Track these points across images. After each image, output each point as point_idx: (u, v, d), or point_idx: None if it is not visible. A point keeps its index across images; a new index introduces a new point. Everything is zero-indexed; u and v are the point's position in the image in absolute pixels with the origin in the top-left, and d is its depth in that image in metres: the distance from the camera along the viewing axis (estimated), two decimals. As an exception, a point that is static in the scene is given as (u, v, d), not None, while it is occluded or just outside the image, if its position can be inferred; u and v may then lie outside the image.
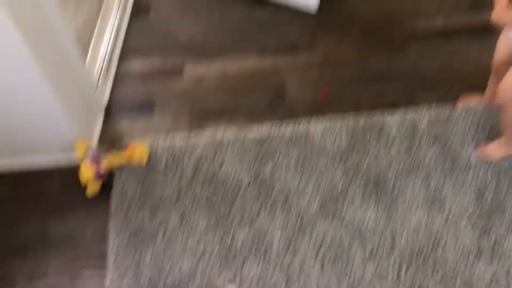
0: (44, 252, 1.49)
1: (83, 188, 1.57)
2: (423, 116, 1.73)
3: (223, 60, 1.95)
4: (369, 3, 2.09)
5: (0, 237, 1.51)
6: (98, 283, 1.42)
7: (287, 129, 1.71)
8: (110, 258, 1.46)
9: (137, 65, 1.96)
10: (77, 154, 1.55)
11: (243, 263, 1.44)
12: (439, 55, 1.92)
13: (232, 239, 1.48)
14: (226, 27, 2.06)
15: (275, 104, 1.81)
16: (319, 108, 1.79)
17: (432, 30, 1.99)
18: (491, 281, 1.39)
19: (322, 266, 1.43)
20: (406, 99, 1.79)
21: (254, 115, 1.78)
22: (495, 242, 1.46)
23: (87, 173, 1.51)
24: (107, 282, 1.42)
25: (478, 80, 1.81)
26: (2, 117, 1.46)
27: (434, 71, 1.87)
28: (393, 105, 1.77)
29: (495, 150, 1.62)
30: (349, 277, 1.41)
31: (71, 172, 1.59)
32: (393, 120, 1.72)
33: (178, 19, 2.11)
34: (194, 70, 1.93)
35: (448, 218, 1.51)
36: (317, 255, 1.45)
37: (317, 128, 1.71)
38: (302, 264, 1.43)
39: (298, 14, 2.06)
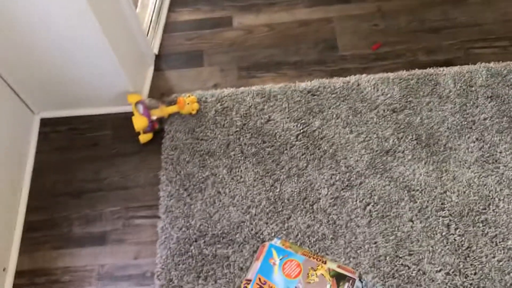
0: (99, 198, 1.55)
1: (136, 137, 1.61)
2: (482, 70, 1.65)
3: (272, 10, 1.91)
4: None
5: (59, 183, 1.59)
6: (150, 230, 1.48)
7: (338, 82, 1.67)
8: (162, 206, 1.51)
9: (186, 15, 1.94)
10: (130, 103, 1.59)
11: (290, 215, 1.45)
12: (503, 5, 1.80)
13: (280, 191, 1.50)
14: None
15: (326, 54, 1.77)
16: (372, 59, 1.73)
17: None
18: (546, 242, 1.36)
19: (369, 221, 1.43)
20: (464, 53, 1.71)
21: (304, 66, 1.75)
22: (552, 203, 1.41)
23: (139, 121, 1.55)
24: (158, 229, 1.47)
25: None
26: (61, 68, 1.50)
27: (496, 23, 1.77)
28: (450, 60, 1.69)
29: None
30: (396, 233, 1.40)
31: (124, 122, 1.64)
32: (449, 74, 1.65)
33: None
34: (243, 20, 1.90)
35: (502, 178, 1.46)
36: (364, 210, 1.44)
37: (369, 81, 1.66)
38: (349, 218, 1.43)
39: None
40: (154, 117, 1.57)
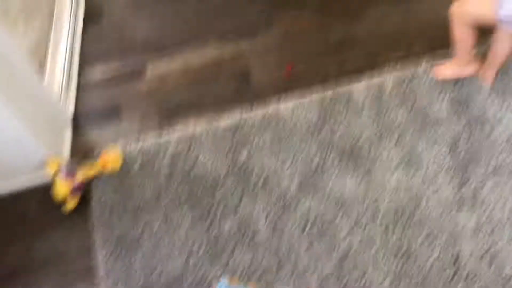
0: (34, 274, 1.47)
1: (62, 205, 1.55)
2: (388, 78, 1.74)
3: (184, 53, 1.93)
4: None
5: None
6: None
7: (257, 113, 1.71)
8: (101, 269, 1.45)
9: (98, 71, 1.93)
10: (50, 171, 1.54)
11: (232, 252, 1.44)
12: (395, 15, 1.92)
13: (219, 230, 1.48)
14: (182, 19, 2.03)
15: (242, 89, 1.81)
16: (286, 86, 1.78)
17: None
18: (476, 229, 1.42)
19: (310, 243, 1.44)
20: (370, 64, 1.80)
21: (222, 104, 1.77)
22: (474, 190, 1.48)
23: (62, 189, 1.50)
24: (101, 292, 1.42)
25: (436, 34, 1.83)
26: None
27: (393, 32, 1.88)
28: (358, 72, 1.77)
29: (447, 69, 1.69)
30: (337, 249, 1.42)
31: (47, 190, 1.58)
32: (360, 87, 1.72)
33: (132, 19, 2.07)
34: (156, 68, 1.91)
35: (426, 175, 1.53)
36: (303, 232, 1.46)
37: (286, 106, 1.71)
38: (290, 244, 1.44)
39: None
40: (78, 181, 1.53)
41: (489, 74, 1.67)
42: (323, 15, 1.96)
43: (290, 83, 1.79)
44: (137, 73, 1.90)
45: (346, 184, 1.53)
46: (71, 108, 1.82)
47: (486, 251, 1.38)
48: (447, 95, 1.68)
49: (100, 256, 1.47)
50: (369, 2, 1.97)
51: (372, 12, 1.94)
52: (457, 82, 1.70)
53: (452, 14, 1.52)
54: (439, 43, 1.74)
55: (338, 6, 1.98)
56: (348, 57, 1.83)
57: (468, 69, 1.67)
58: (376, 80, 1.74)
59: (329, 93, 1.72)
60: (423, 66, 1.76)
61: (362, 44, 1.86)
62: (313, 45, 1.88)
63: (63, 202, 1.54)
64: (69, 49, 1.96)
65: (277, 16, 1.98)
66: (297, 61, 1.85)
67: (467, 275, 1.35)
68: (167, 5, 2.08)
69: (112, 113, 1.80)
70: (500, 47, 1.57)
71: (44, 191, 1.59)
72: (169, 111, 1.78)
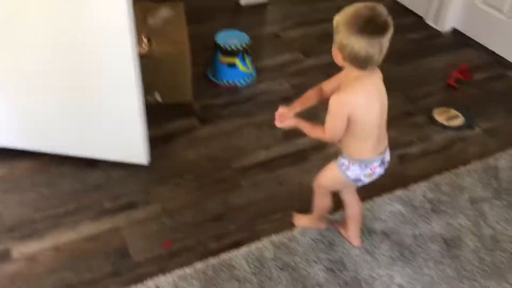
0: None
1: None
2: (267, 244, 1.79)
3: (56, 233, 1.83)
4: (196, 150, 2.22)
5: None
6: None
7: (137, 290, 1.61)
8: None
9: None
10: None
11: None
12: (269, 184, 2.07)
13: None
14: (57, 198, 1.96)
15: (120, 267, 1.72)
16: (166, 260, 1.74)
17: (258, 163, 2.17)
18: None
19: None
20: (249, 232, 1.86)
21: (99, 284, 1.65)
22: None
23: None
24: None
25: (306, 199, 1.99)
26: None
27: (268, 200, 2.00)
28: (238, 242, 1.81)
29: (304, 219, 1.90)
30: None
31: None
32: (241, 256, 1.75)
33: (4, 202, 1.95)
34: (24, 249, 1.76)
35: None
36: None
37: (167, 281, 1.64)
38: None
39: (131, 169, 2.08)
40: None
41: (354, 234, 1.82)
42: (201, 188, 2.04)
43: (170, 256, 1.76)
44: (1, 257, 1.73)
45: None
46: None
47: None
48: (324, 256, 1.76)
49: None
50: (244, 173, 2.12)
51: (246, 182, 2.07)
52: (332, 243, 1.81)
53: (314, 188, 1.76)
54: (308, 207, 1.88)
55: (215, 179, 2.09)
56: (228, 226, 1.88)
57: (321, 224, 1.89)
58: (255, 245, 1.78)
59: (211, 262, 1.71)
60: (298, 228, 1.86)
61: (240, 214, 1.94)
62: (191, 218, 1.91)
63: None
64: None
65: (155, 190, 2.02)
66: (177, 233, 1.85)
67: None
68: (40, 186, 2.01)
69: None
70: (350, 211, 1.80)
71: None
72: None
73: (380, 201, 2.00)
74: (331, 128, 1.51)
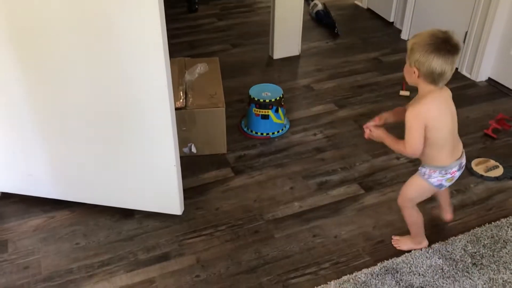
0: None
1: None
2: (301, 299, 1.75)
3: (92, 284, 1.84)
4: (230, 201, 2.23)
5: None
6: None
7: None
8: None
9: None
10: None
11: None
12: (302, 236, 2.04)
13: None
14: (92, 249, 1.99)
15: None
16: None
17: (291, 215, 2.15)
18: None
19: None
20: (283, 285, 1.82)
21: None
22: None
23: None
24: None
25: (344, 254, 1.95)
26: None
27: (302, 253, 1.97)
28: (272, 294, 1.78)
29: (404, 243, 2.00)
30: None
31: None
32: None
33: (41, 251, 1.99)
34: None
35: None
36: None
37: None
38: None
39: (165, 220, 2.11)
40: None
41: (448, 212, 2.07)
42: (235, 239, 2.04)
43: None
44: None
45: None
46: None
47: None
48: None
49: None
50: (277, 224, 2.10)
51: (280, 234, 2.06)
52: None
53: (401, 205, 1.92)
54: (345, 261, 1.84)
55: (249, 229, 2.08)
56: (261, 279, 1.86)
57: (423, 244, 1.99)
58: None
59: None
60: (332, 284, 1.81)
61: (274, 265, 1.91)
62: (225, 270, 1.90)
63: None
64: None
65: (189, 241, 2.02)
66: (211, 285, 1.83)
67: None
68: (77, 236, 2.06)
69: None
70: (442, 199, 2.05)
71: None
72: None
73: (419, 254, 1.93)
74: (411, 141, 1.68)
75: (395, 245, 2.00)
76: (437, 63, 1.56)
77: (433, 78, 1.60)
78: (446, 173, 1.75)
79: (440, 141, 1.69)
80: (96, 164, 2.03)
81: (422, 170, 1.80)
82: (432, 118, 1.64)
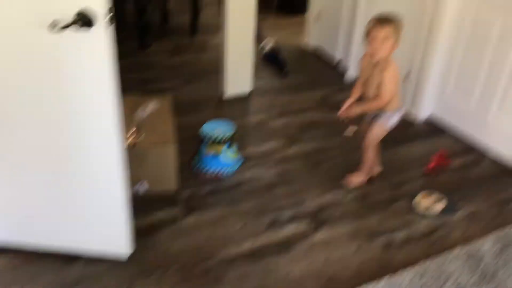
0: None
1: None
2: None
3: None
4: (181, 241, 2.19)
5: None
6: None
7: None
8: None
9: None
10: None
11: None
12: (255, 275, 2.04)
13: None
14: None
15: None
16: None
17: (243, 253, 2.14)
18: None
19: None
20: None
21: None
22: None
23: None
24: None
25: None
26: None
27: (254, 291, 1.96)
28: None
29: (358, 178, 2.61)
30: None
31: None
32: None
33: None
34: None
35: None
36: None
37: None
38: None
39: (113, 263, 2.04)
40: None
41: (377, 165, 2.71)
42: (185, 281, 2.00)
43: None
44: None
45: None
46: None
47: None
48: None
49: None
50: (228, 264, 2.09)
51: (232, 274, 2.04)
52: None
53: (368, 146, 2.51)
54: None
55: (199, 270, 2.05)
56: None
57: (375, 170, 2.67)
58: None
59: None
60: None
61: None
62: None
63: None
64: None
65: (137, 284, 1.97)
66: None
67: None
68: (19, 282, 1.96)
69: None
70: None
71: None
72: None
73: (368, 289, 1.97)
74: (389, 92, 2.30)
75: (350, 185, 2.59)
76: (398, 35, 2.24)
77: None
78: (399, 113, 2.44)
79: (398, 88, 2.36)
80: (42, 204, 1.96)
81: (386, 115, 2.41)
82: (399, 72, 2.33)
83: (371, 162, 2.58)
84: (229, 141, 2.62)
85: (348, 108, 2.43)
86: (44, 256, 2.05)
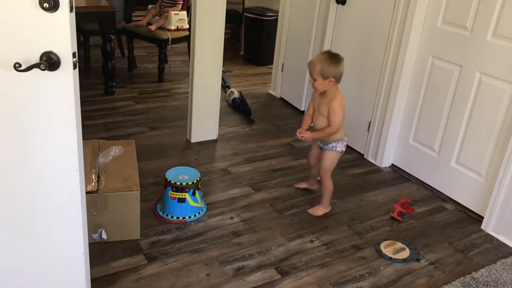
0: None
1: None
2: None
3: None
4: (142, 290, 2.11)
5: None
6: None
7: None
8: None
9: None
10: None
11: None
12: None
13: None
14: None
15: None
16: None
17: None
18: None
19: None
20: None
21: None
22: None
23: None
24: None
25: None
26: None
27: None
28: None
29: (318, 210, 2.78)
30: None
31: None
32: None
33: None
34: None
35: None
36: None
37: None
38: None
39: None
40: None
41: (314, 184, 3.04)
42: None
43: None
44: None
45: None
46: None
47: None
48: None
49: None
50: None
51: (194, 325, 1.95)
52: None
53: (323, 177, 2.73)
54: None
55: None
56: None
57: (329, 208, 2.83)
58: None
59: None
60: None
61: None
62: None
63: None
64: None
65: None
66: None
67: None
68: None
69: None
70: (314, 172, 2.97)
71: None
72: None
73: None
74: (338, 121, 2.57)
75: (313, 214, 2.75)
76: (342, 68, 2.51)
77: (340, 78, 2.54)
78: (343, 142, 2.69)
79: (343, 119, 2.60)
80: (-7, 253, 1.85)
81: (330, 145, 2.68)
82: (345, 103, 2.60)
83: (330, 192, 2.77)
84: (194, 187, 2.58)
85: (303, 133, 2.63)
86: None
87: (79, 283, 1.90)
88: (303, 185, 3.03)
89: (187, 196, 2.57)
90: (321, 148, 2.75)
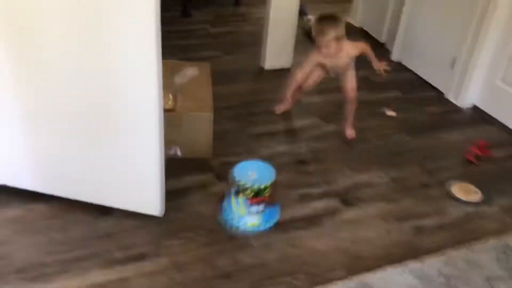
0: None
1: None
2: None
3: (65, 278, 1.82)
4: (210, 206, 2.22)
5: None
6: None
7: None
8: None
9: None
10: None
11: None
12: (280, 246, 2.05)
13: None
14: (68, 243, 1.96)
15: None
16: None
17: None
18: None
19: None
20: (257, 292, 1.83)
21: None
22: None
23: None
24: None
25: (319, 265, 1.96)
26: None
27: (278, 262, 1.97)
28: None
29: (352, 129, 2.85)
30: None
31: None
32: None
33: (15, 243, 1.96)
34: (30, 294, 1.75)
35: None
36: None
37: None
38: None
39: (144, 220, 2.09)
40: None
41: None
42: (212, 244, 2.03)
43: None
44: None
45: None
46: None
47: None
48: None
49: None
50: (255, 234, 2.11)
51: (256, 242, 2.05)
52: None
53: (354, 96, 2.79)
54: (322, 274, 1.84)
55: (227, 235, 2.08)
56: (235, 285, 1.85)
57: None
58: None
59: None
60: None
61: (249, 272, 1.91)
62: (201, 274, 1.89)
63: None
64: None
65: (166, 243, 2.01)
66: (187, 286, 1.82)
67: None
68: (52, 231, 2.02)
69: None
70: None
71: None
72: None
73: (393, 272, 1.95)
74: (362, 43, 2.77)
75: (352, 137, 2.82)
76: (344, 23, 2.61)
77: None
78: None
79: None
80: (78, 159, 2.01)
81: (352, 65, 2.76)
82: None
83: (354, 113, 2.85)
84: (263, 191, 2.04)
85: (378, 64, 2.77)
86: (79, 207, 2.11)
87: (154, 193, 2.05)
88: (282, 108, 2.99)
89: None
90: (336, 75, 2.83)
